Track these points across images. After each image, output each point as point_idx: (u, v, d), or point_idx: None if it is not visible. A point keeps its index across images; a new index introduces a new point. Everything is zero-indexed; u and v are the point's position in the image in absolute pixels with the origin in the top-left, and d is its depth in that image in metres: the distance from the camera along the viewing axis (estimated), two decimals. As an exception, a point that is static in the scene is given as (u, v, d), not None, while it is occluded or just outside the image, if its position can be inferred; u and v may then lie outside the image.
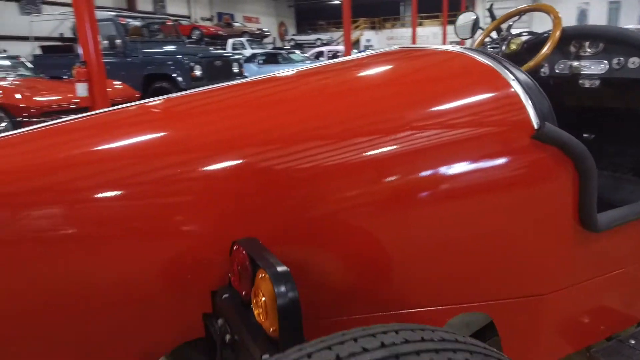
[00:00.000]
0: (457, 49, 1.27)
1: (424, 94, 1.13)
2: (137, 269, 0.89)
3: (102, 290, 0.89)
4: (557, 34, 1.61)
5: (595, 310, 1.30)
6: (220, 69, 9.07)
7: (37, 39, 11.79)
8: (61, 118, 1.09)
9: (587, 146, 1.91)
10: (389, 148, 1.00)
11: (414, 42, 17.09)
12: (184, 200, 0.91)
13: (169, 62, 8.79)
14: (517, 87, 1.09)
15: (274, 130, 1.00)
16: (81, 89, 5.11)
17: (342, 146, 0.98)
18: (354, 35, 26.19)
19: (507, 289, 1.13)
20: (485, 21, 2.01)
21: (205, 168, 0.92)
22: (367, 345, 0.57)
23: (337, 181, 0.96)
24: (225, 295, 0.87)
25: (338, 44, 21.46)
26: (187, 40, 13.07)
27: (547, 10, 1.74)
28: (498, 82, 1.11)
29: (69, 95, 6.04)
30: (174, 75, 8.57)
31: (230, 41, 17.25)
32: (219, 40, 18.09)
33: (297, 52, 16.25)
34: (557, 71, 1.79)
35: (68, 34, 11.65)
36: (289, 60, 14.00)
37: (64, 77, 8.26)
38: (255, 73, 11.03)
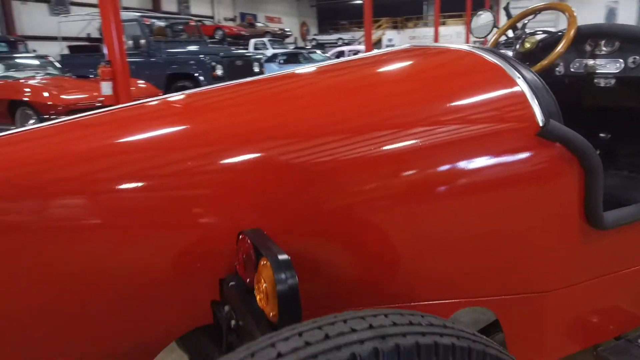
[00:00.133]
0: (465, 47, 1.28)
1: (432, 92, 1.14)
2: (152, 257, 0.93)
3: (120, 277, 0.93)
4: (572, 32, 1.61)
5: (603, 309, 1.30)
6: (241, 69, 9.18)
7: (64, 39, 12.09)
8: (87, 115, 1.13)
9: (603, 146, 1.90)
10: (397, 145, 1.02)
11: (436, 41, 16.94)
12: (200, 192, 0.94)
13: (191, 62, 8.93)
14: (523, 85, 1.10)
15: (291, 125, 1.02)
16: (106, 88, 5.26)
17: (357, 141, 1.01)
18: (376, 34, 26.12)
19: (512, 284, 1.14)
20: (504, 20, 2.01)
21: (223, 161, 0.96)
22: (355, 327, 0.60)
23: (351, 175, 0.99)
24: (231, 283, 0.91)
25: (360, 43, 21.41)
26: (210, 40, 13.25)
27: (562, 9, 1.73)
28: (505, 80, 1.12)
29: (95, 94, 6.20)
30: (196, 74, 8.71)
31: (252, 41, 17.42)
32: (241, 40, 18.29)
33: (318, 51, 16.30)
34: (572, 70, 1.78)
35: (95, 34, 11.92)
36: (310, 60, 14.05)
37: (90, 76, 8.47)
38: (276, 73, 11.08)
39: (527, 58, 1.87)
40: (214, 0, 24.25)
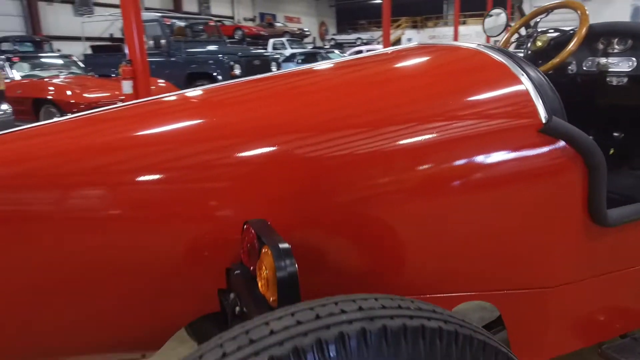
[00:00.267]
0: (472, 45, 1.30)
1: (438, 90, 1.16)
2: (165, 247, 0.97)
3: (135, 266, 0.97)
4: (584, 30, 1.61)
5: (608, 307, 1.30)
6: (258, 68, 9.26)
7: (87, 39, 12.36)
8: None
9: (617, 145, 1.88)
10: (403, 142, 1.04)
11: (455, 41, 16.76)
12: (214, 185, 0.97)
13: (210, 61, 9.05)
14: (527, 83, 1.12)
15: (303, 120, 1.05)
16: (126, 86, 5.37)
17: (364, 137, 1.03)
18: (396, 34, 25.98)
19: (514, 279, 1.15)
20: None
21: (237, 154, 0.99)
22: (346, 308, 0.63)
23: (359, 170, 1.01)
24: (237, 272, 0.95)
25: (378, 43, 21.37)
26: (229, 40, 13.38)
27: (575, 7, 1.73)
28: (509, 78, 1.14)
29: (116, 92, 6.34)
30: (215, 73, 8.82)
31: (271, 41, 17.53)
32: (260, 40, 18.41)
33: (336, 51, 16.34)
34: (584, 68, 1.77)
35: (118, 34, 12.16)
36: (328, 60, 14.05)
37: (112, 75, 8.65)
38: (293, 72, 11.15)
39: (539, 56, 1.87)
40: (234, 0, 24.46)
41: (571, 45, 1.59)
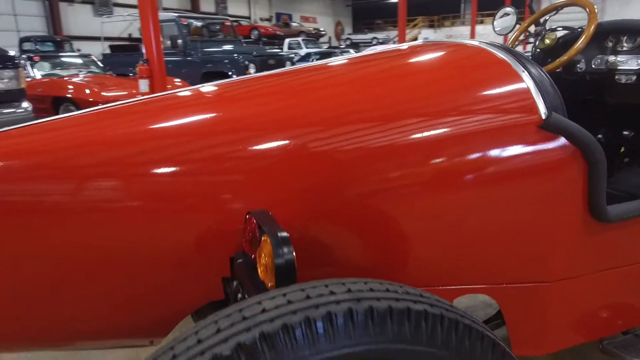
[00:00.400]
0: (475, 43, 1.31)
1: (440, 87, 1.18)
2: (176, 237, 1.00)
3: (147, 255, 1.00)
4: (592, 28, 1.60)
5: (609, 303, 1.30)
6: (273, 67, 9.31)
7: (106, 39, 12.57)
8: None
9: (628, 143, 1.87)
10: (405, 138, 1.06)
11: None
12: (226, 177, 1.00)
13: (225, 61, 9.13)
14: (527, 80, 1.13)
15: (319, 113, 1.08)
16: (143, 85, 5.48)
17: (364, 134, 1.06)
18: (412, 33, 25.87)
19: (513, 273, 1.16)
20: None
21: (251, 147, 1.01)
22: (335, 290, 0.66)
23: (364, 166, 1.03)
24: (239, 260, 0.98)
25: (394, 42, 21.30)
26: (246, 40, 13.49)
27: (583, 5, 1.73)
28: (510, 75, 1.15)
29: (133, 91, 6.44)
30: (230, 73, 8.90)
31: (286, 41, 17.63)
32: (276, 40, 18.52)
33: (351, 50, 16.33)
34: (593, 66, 1.77)
35: (136, 34, 12.36)
36: (343, 59, 14.05)
37: (130, 74, 8.78)
38: (308, 72, 11.22)
39: (548, 54, 1.87)
40: (250, 0, 24.62)
41: (579, 43, 1.59)
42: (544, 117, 1.08)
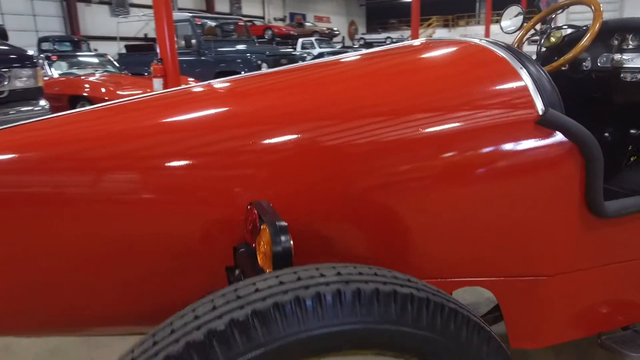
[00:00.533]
0: (476, 41, 1.34)
1: (441, 84, 1.20)
2: (186, 228, 1.04)
3: (158, 245, 1.04)
4: (597, 26, 1.61)
5: (609, 298, 1.31)
6: (286, 67, 9.37)
7: (122, 39, 12.75)
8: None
9: (635, 142, 1.87)
10: (406, 134, 1.09)
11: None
12: (238, 171, 1.03)
13: (238, 60, 9.22)
14: (525, 77, 1.15)
15: (330, 107, 1.11)
16: (157, 84, 5.56)
17: (367, 130, 1.09)
18: (426, 33, 25.77)
19: (511, 267, 1.18)
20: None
21: (263, 141, 1.04)
22: (325, 273, 0.70)
23: (367, 161, 1.06)
24: (242, 249, 1.02)
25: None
26: (259, 40, 13.57)
27: (589, 3, 1.73)
28: (508, 72, 1.17)
29: (148, 90, 6.55)
30: (242, 72, 8.97)
31: (300, 40, 17.70)
32: (290, 39, 18.60)
33: (364, 50, 16.32)
34: (599, 65, 1.77)
35: (152, 34, 12.52)
36: (356, 59, 14.06)
37: (145, 73, 8.91)
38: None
39: (553, 52, 1.87)
40: (264, 0, 24.74)
41: (584, 41, 1.60)
42: (540, 113, 1.10)
